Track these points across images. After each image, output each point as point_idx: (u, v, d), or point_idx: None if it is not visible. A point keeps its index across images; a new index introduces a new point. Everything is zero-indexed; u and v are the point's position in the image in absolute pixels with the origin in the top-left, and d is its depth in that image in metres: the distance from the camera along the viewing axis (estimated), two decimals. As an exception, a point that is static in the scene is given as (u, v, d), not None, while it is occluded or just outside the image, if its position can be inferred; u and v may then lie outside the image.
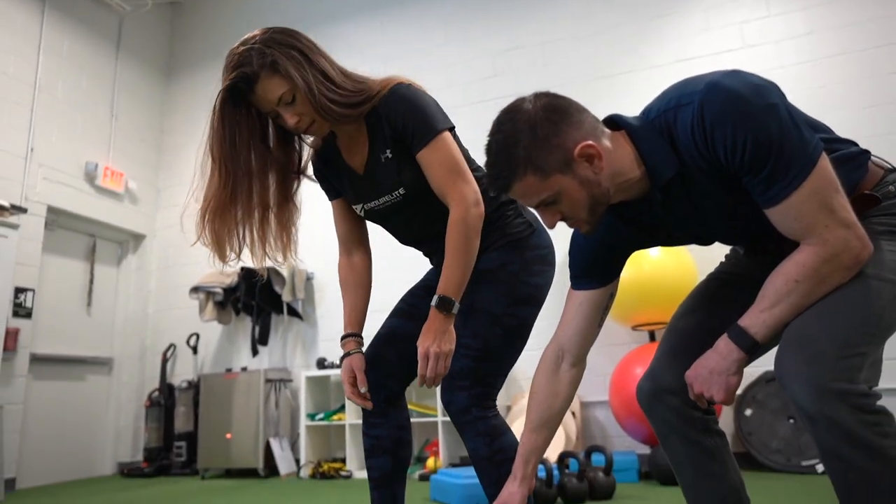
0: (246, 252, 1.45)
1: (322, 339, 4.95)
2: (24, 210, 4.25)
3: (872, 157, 1.09)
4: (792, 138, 0.95)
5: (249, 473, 4.59)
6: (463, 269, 1.35)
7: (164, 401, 5.11)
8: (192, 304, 5.33)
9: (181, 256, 5.61)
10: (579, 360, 1.27)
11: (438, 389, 1.48)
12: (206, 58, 6.04)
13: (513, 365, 1.46)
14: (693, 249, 3.92)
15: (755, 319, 1.01)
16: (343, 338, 1.52)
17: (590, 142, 1.03)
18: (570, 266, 1.27)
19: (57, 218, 5.01)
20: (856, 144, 1.09)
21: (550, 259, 1.50)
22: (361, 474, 4.24)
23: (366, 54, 5.38)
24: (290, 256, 1.48)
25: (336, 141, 1.49)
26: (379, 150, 1.42)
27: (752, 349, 1.02)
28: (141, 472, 4.85)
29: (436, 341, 1.34)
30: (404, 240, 1.58)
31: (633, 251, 1.25)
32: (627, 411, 3.53)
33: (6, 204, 4.00)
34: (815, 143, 0.96)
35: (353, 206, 1.55)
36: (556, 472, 2.94)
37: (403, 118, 1.36)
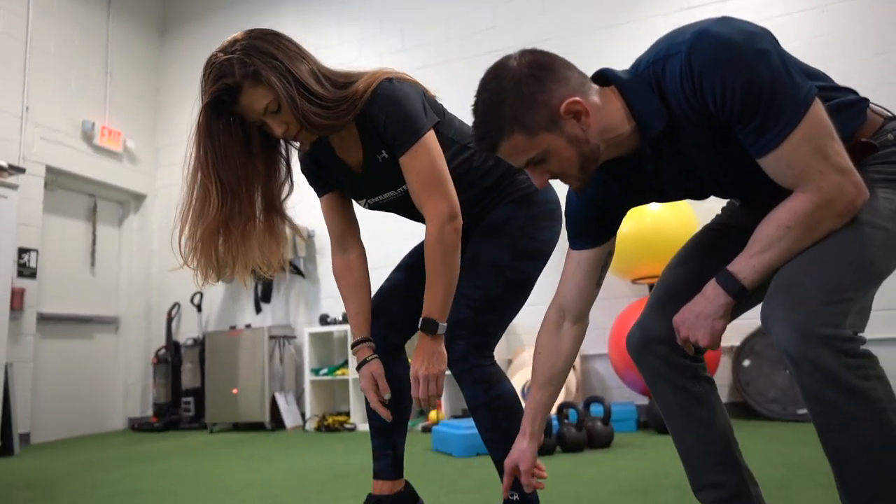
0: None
1: (324, 297, 5.00)
2: (22, 170, 4.24)
3: (871, 105, 1.07)
4: (783, 84, 0.92)
5: (256, 427, 4.70)
6: (445, 289, 1.35)
7: (170, 358, 5.20)
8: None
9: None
10: (580, 318, 1.27)
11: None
12: (200, 14, 5.91)
13: (513, 318, 1.47)
14: (693, 202, 3.91)
15: (744, 265, 1.01)
16: (354, 345, 1.48)
17: (576, 98, 1.01)
18: (567, 226, 1.27)
19: (56, 178, 5.00)
20: (854, 93, 1.07)
21: (557, 215, 1.50)
22: (366, 427, 4.34)
23: (362, 8, 5.26)
24: (279, 264, 1.44)
25: (329, 140, 1.44)
26: (374, 151, 1.40)
27: (740, 294, 1.01)
28: (151, 426, 4.97)
29: (424, 364, 1.36)
30: (415, 220, 1.55)
31: (629, 209, 1.24)
32: (626, 363, 3.58)
33: (4, 164, 3.98)
34: (808, 88, 0.94)
35: (355, 201, 1.53)
36: (555, 423, 3.00)
37: (385, 123, 1.33)
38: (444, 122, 1.41)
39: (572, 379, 3.90)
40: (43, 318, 4.73)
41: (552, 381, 1.29)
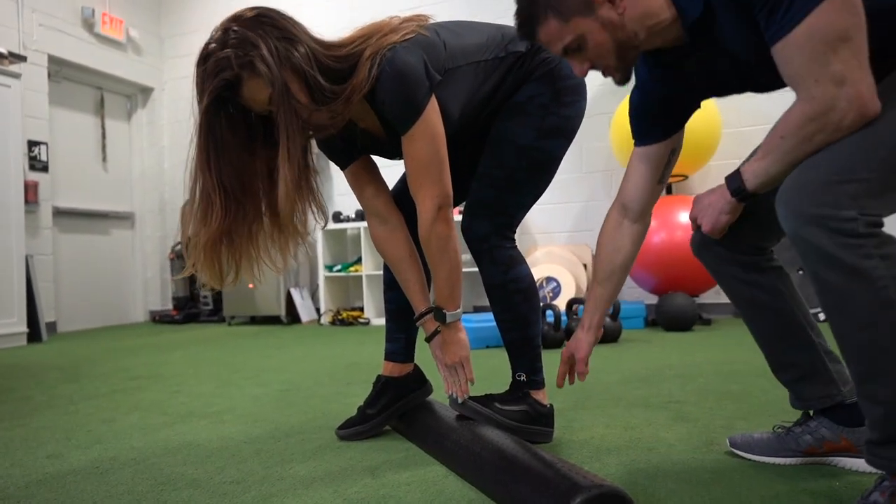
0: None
1: (338, 194, 4.98)
2: (23, 58, 4.14)
3: None
4: None
5: (273, 321, 4.86)
6: (447, 277, 1.35)
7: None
8: (205, 159, 5.34)
9: (193, 109, 5.52)
10: (642, 215, 1.26)
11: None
12: None
13: (537, 199, 1.45)
14: (719, 101, 3.74)
15: (749, 167, 1.01)
16: (419, 318, 1.44)
17: None
18: (631, 122, 1.24)
19: (60, 69, 4.89)
20: None
21: (581, 90, 1.43)
22: (379, 321, 4.46)
23: None
24: (291, 259, 1.37)
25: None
26: (389, 122, 1.32)
27: (740, 194, 1.03)
28: (171, 318, 5.16)
29: (445, 354, 1.40)
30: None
31: (694, 104, 1.19)
32: (639, 262, 3.58)
33: (4, 51, 3.88)
34: None
35: (389, 159, 1.47)
36: (563, 318, 3.05)
37: (384, 104, 1.26)
38: (447, 73, 1.30)
39: (583, 276, 3.93)
40: (59, 213, 4.79)
41: (612, 276, 1.29)
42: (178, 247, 5.35)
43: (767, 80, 1.06)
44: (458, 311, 1.38)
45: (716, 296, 3.92)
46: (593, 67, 1.06)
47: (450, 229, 1.32)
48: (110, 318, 5.29)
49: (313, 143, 1.38)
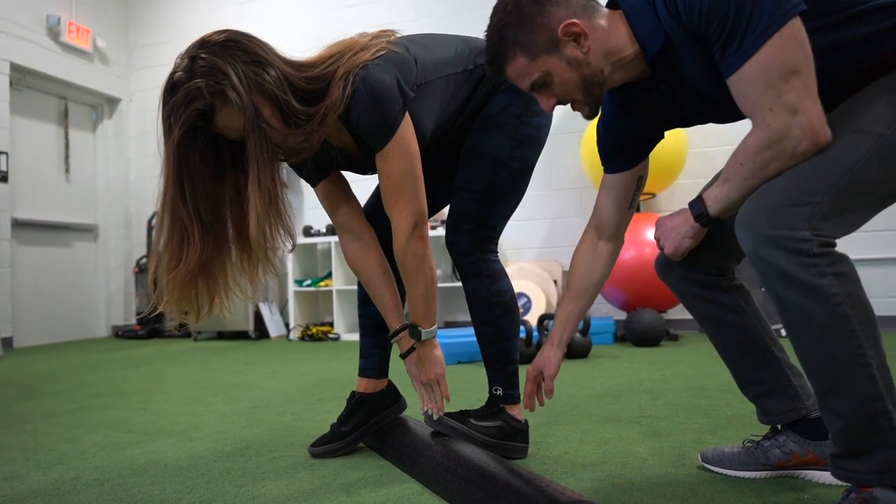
0: None
1: (308, 208, 4.95)
2: (-15, 66, 4.02)
3: None
4: (753, 3, 0.88)
5: (241, 336, 4.77)
6: (423, 294, 1.34)
7: (152, 267, 5.19)
8: (173, 172, 5.25)
9: (158, 138, 5.43)
10: (614, 237, 1.31)
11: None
12: None
13: (515, 209, 1.47)
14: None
15: (711, 193, 1.04)
16: (394, 335, 1.42)
17: (573, 20, 1.01)
18: (598, 151, 1.29)
19: (23, 77, 4.77)
20: None
21: None
22: (349, 337, 4.42)
23: None
24: (261, 281, 1.34)
25: None
26: (362, 139, 1.31)
27: (703, 219, 1.06)
28: (135, 334, 5.02)
29: (420, 371, 1.39)
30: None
31: (658, 134, 1.25)
32: (608, 279, 3.63)
33: (-35, 59, 3.77)
34: (787, 10, 0.88)
35: (361, 174, 1.46)
36: (535, 334, 3.07)
37: (359, 122, 1.25)
38: (420, 88, 1.31)
39: (554, 293, 3.97)
40: (18, 224, 4.65)
41: (584, 294, 1.33)
42: (143, 260, 5.23)
43: (727, 113, 1.10)
44: (434, 328, 1.38)
45: (682, 312, 4.00)
46: (560, 102, 1.10)
47: (425, 246, 1.32)
48: (70, 333, 5.13)
49: (283, 163, 1.36)
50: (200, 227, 1.22)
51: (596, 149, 3.95)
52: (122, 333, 5.14)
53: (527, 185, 1.47)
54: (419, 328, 1.36)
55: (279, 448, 1.60)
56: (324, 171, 1.44)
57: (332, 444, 1.51)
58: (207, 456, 1.56)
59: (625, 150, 1.24)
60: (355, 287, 4.54)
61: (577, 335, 3.03)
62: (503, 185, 1.41)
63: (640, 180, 1.27)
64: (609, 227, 1.29)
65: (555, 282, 4.08)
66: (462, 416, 1.41)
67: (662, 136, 1.25)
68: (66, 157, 5.19)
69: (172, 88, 1.17)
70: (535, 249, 4.44)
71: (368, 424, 1.52)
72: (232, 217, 1.29)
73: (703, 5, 0.92)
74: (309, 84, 1.24)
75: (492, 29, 1.07)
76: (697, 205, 1.07)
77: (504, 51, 1.06)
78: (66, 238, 5.18)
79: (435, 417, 1.38)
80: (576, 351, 3.00)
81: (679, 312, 3.99)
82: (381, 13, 4.77)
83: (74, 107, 5.32)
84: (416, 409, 1.67)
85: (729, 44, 0.92)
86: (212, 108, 1.16)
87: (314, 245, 4.81)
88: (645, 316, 3.39)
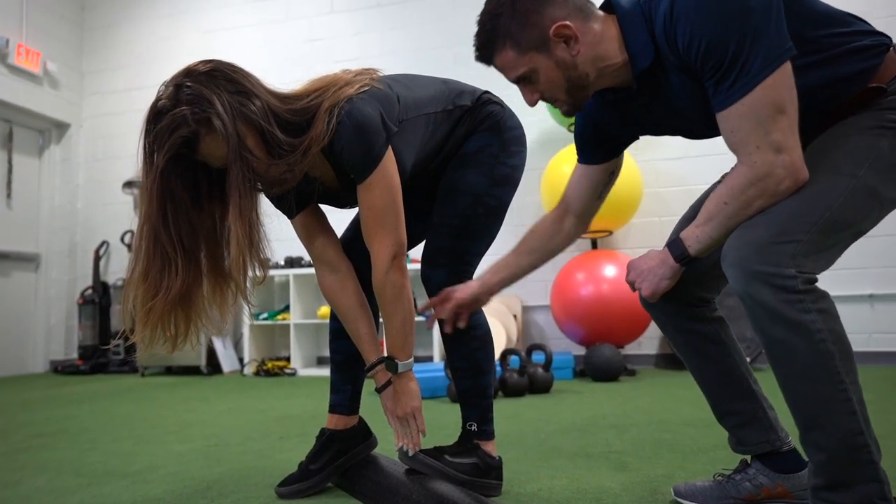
0: None
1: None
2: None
3: (894, 51, 1.04)
4: (752, 45, 0.93)
5: (191, 371, 4.60)
6: (400, 326, 1.34)
7: (98, 299, 4.97)
8: (126, 200, 5.09)
9: (112, 148, 5.29)
10: (581, 220, 1.34)
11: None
12: (131, -73, 5.44)
13: (489, 246, 1.48)
14: (640, 162, 3.99)
15: (690, 233, 1.07)
16: (370, 368, 1.39)
17: (567, 22, 1.03)
18: (575, 141, 1.32)
19: (-34, 99, 4.59)
20: (881, 35, 1.05)
21: (523, 140, 1.50)
22: (306, 372, 4.32)
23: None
24: (231, 313, 1.32)
25: None
26: (344, 172, 1.32)
27: (683, 260, 1.08)
28: (76, 369, 4.77)
29: (396, 404, 1.37)
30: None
31: (630, 138, 1.27)
32: (566, 314, 3.69)
33: None
34: (779, 53, 0.94)
35: (339, 208, 1.46)
36: (498, 369, 3.07)
37: (342, 154, 1.25)
38: (402, 124, 1.32)
39: (514, 328, 3.99)
40: (-47, 252, 4.40)
41: (532, 254, 1.36)
42: (89, 292, 5.01)
43: (702, 132, 1.16)
44: (410, 360, 1.37)
45: (638, 347, 4.08)
46: (543, 98, 1.12)
47: (404, 278, 1.32)
48: (5, 367, 4.83)
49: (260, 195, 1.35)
50: (183, 255, 1.20)
51: (556, 186, 4.01)
52: (61, 368, 4.87)
53: (501, 223, 1.49)
54: (396, 360, 1.35)
55: (243, 489, 1.53)
56: (303, 204, 1.43)
57: (301, 484, 1.45)
58: (165, 499, 1.48)
59: (600, 145, 1.27)
60: (313, 321, 4.46)
61: (540, 370, 3.04)
62: (480, 221, 1.43)
63: (612, 175, 1.31)
64: (575, 210, 1.33)
65: (515, 316, 4.10)
66: (437, 452, 1.39)
67: (637, 138, 1.28)
68: (9, 183, 4.97)
69: (157, 116, 1.16)
70: (495, 284, 4.46)
71: (338, 462, 1.48)
72: (207, 247, 1.27)
73: (701, 44, 0.96)
74: (293, 116, 1.24)
75: (485, 15, 1.08)
76: (677, 246, 1.09)
77: (494, 41, 1.07)
78: (4, 267, 4.92)
79: (410, 454, 1.36)
80: (538, 386, 3.01)
81: (635, 348, 4.06)
82: (345, 48, 4.81)
83: (20, 130, 5.12)
84: (385, 447, 1.64)
85: (723, 81, 0.96)
86: (196, 136, 1.15)
87: (271, 278, 4.72)
88: (604, 351, 3.44)
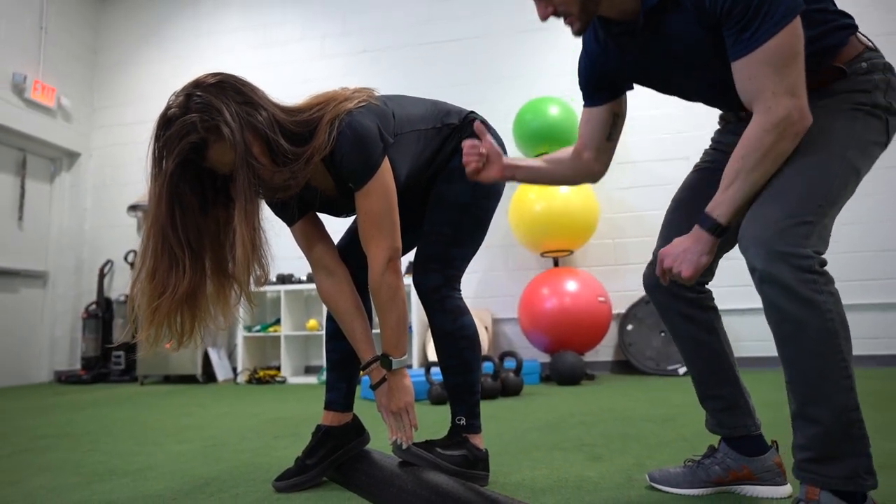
0: None
1: (259, 260, 4.72)
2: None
3: (858, 34, 1.03)
4: None
5: (188, 380, 4.39)
6: (395, 325, 1.27)
7: (101, 313, 4.74)
8: (130, 223, 4.91)
9: (119, 176, 5.11)
10: (597, 157, 1.26)
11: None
12: (142, -21, 5.36)
13: (475, 252, 1.42)
14: (597, 191, 4.00)
15: (717, 203, 0.99)
16: (366, 366, 1.31)
17: None
18: (579, 83, 1.25)
19: (-18, 128, 4.39)
20: (849, 17, 1.03)
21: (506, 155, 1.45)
22: (295, 380, 4.16)
23: (307, -10, 4.97)
24: (234, 314, 1.23)
25: None
26: (343, 181, 1.27)
27: (718, 231, 0.99)
28: (79, 378, 4.52)
29: (390, 400, 1.28)
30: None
31: (623, 80, 1.19)
32: (533, 325, 3.64)
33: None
34: (797, 4, 0.90)
35: (335, 216, 1.40)
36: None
37: (342, 162, 1.20)
38: (397, 138, 1.28)
39: (485, 338, 3.92)
40: (-36, 269, 4.15)
41: (559, 164, 1.28)
42: (93, 306, 4.78)
43: (683, 86, 1.09)
44: (405, 357, 1.29)
45: (596, 354, 4.04)
46: (555, 14, 1.04)
47: (399, 279, 1.25)
48: (11, 377, 4.55)
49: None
50: (190, 255, 1.12)
51: (523, 209, 3.97)
52: (64, 378, 4.61)
53: (486, 231, 1.44)
54: (391, 357, 1.27)
55: (241, 484, 1.42)
56: (304, 211, 1.35)
57: (297, 478, 1.35)
58: (165, 495, 1.36)
59: (600, 86, 1.20)
60: (302, 332, 4.32)
61: (511, 375, 2.97)
62: (467, 230, 1.38)
63: (616, 117, 1.23)
64: (589, 148, 1.25)
65: (486, 328, 4.04)
66: (428, 445, 1.31)
67: (631, 87, 1.21)
68: (21, 206, 4.75)
69: (167, 123, 1.09)
70: (469, 300, 4.38)
71: (333, 457, 1.38)
72: (211, 250, 1.19)
73: None
74: (297, 127, 1.19)
75: None
76: (706, 220, 1.00)
77: None
78: (13, 284, 4.67)
79: (404, 447, 1.27)
80: (510, 389, 2.94)
81: (594, 355, 4.03)
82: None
83: (33, 159, 4.92)
84: (376, 443, 1.55)
85: (745, 30, 0.91)
86: (205, 143, 1.09)
87: (263, 293, 4.57)
88: (567, 358, 3.39)
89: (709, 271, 1.20)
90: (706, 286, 1.21)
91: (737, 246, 1.02)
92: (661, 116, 4.09)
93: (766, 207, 0.94)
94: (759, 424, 1.19)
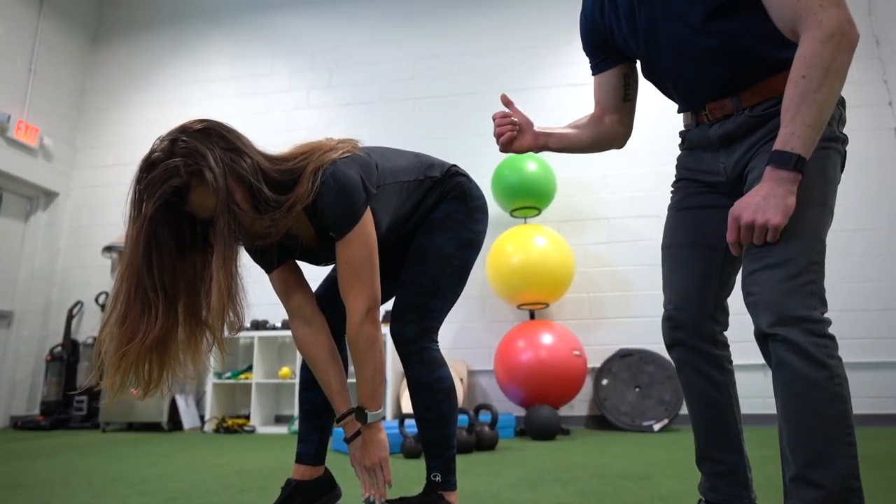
0: None
1: (235, 304, 4.63)
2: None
3: None
4: None
5: (153, 427, 4.20)
6: (371, 377, 1.26)
7: (66, 356, 4.55)
8: (104, 264, 4.80)
9: (96, 217, 5.03)
10: (619, 119, 1.25)
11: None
12: (133, 27, 5.46)
13: (453, 304, 1.42)
14: (572, 245, 4.06)
15: (786, 136, 0.90)
16: (341, 418, 1.30)
17: None
18: (583, 49, 1.26)
19: (-40, 165, 4.30)
20: None
21: (486, 209, 1.49)
22: (265, 430, 4.01)
23: (295, 42, 5.11)
24: (204, 362, 1.20)
25: None
26: (324, 230, 1.28)
27: (799, 165, 0.90)
28: (37, 424, 4.28)
29: (365, 454, 1.27)
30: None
31: (621, 39, 1.17)
32: (509, 378, 3.60)
33: None
34: None
35: (314, 265, 1.40)
36: (448, 426, 2.92)
37: (324, 212, 1.20)
38: (379, 189, 1.30)
39: (460, 390, 3.85)
40: (-75, 307, 3.97)
41: (585, 127, 1.28)
42: (58, 349, 4.59)
43: (666, 62, 1.08)
44: (380, 411, 1.26)
45: (571, 409, 4.00)
46: None
47: (377, 330, 1.24)
48: (-39, 423, 4.29)
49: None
50: (164, 300, 1.09)
51: (501, 262, 3.98)
52: (21, 424, 4.36)
53: (465, 282, 1.45)
54: (366, 410, 1.24)
55: (203, 543, 1.34)
56: (283, 259, 1.34)
57: (264, 537, 1.28)
58: (121, 554, 1.27)
59: (600, 47, 1.20)
60: (274, 381, 4.20)
61: (486, 429, 2.91)
62: (447, 281, 1.38)
63: (627, 78, 1.23)
64: (608, 111, 1.25)
65: (461, 379, 3.98)
66: (402, 503, 1.26)
67: (632, 54, 1.19)
68: (-9, 244, 4.62)
69: (150, 166, 1.09)
70: (445, 350, 4.35)
71: (303, 514, 1.32)
72: (186, 295, 1.16)
73: None
74: (281, 175, 1.19)
75: None
76: (779, 158, 0.90)
77: None
78: (-25, 323, 4.48)
79: None
80: (485, 443, 2.87)
81: (568, 410, 3.98)
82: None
83: (10, 197, 4.83)
84: (350, 499, 1.48)
85: None
86: (187, 187, 1.09)
87: (237, 339, 4.45)
88: (542, 412, 3.34)
89: (724, 320, 1.17)
90: (721, 337, 1.18)
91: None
92: (634, 176, 4.23)
93: (770, 269, 0.93)
94: (755, 500, 1.16)
